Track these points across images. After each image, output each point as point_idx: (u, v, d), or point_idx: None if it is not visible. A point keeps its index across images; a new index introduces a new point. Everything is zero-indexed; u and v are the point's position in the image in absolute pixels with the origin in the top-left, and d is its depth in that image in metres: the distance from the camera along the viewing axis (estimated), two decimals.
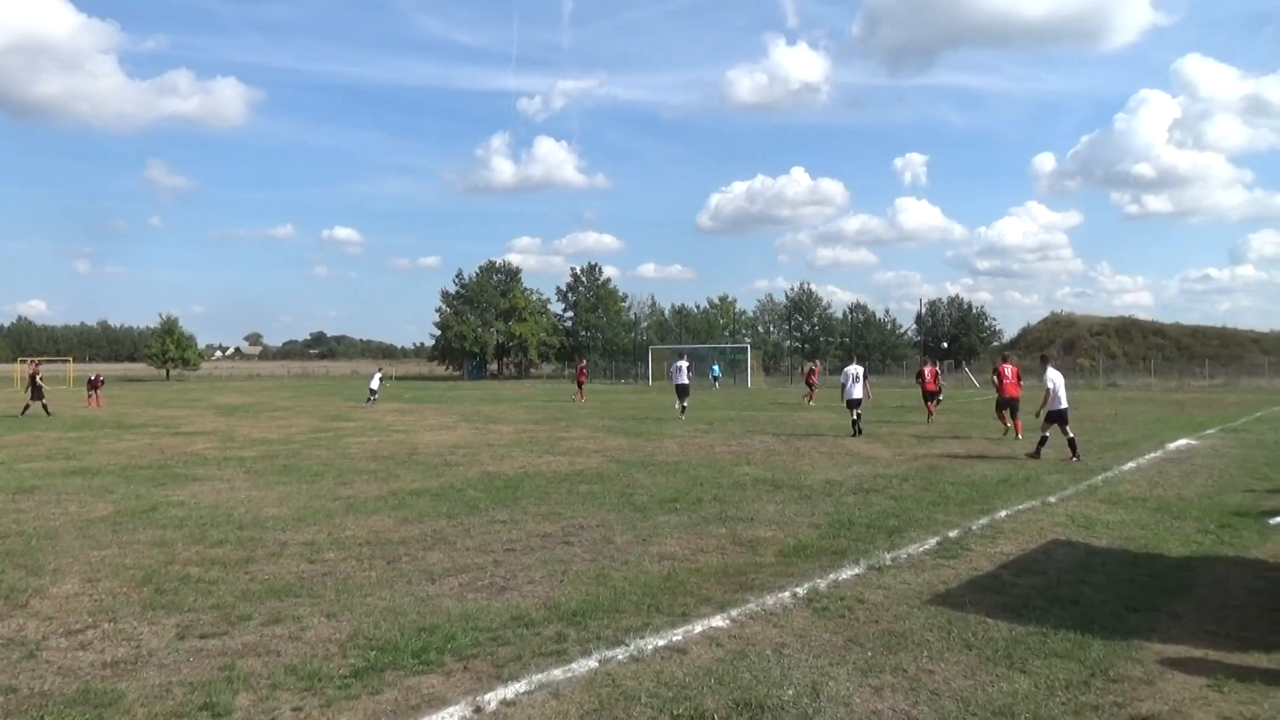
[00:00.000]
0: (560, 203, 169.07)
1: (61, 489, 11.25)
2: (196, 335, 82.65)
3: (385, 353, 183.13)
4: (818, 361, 49.27)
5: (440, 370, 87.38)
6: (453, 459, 14.41)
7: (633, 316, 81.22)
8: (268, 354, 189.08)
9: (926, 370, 23.85)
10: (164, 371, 78.48)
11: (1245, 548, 7.75)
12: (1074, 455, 13.87)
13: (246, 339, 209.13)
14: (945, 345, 74.32)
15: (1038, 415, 14.56)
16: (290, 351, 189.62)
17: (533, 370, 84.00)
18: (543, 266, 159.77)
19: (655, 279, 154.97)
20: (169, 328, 78.22)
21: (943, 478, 11.96)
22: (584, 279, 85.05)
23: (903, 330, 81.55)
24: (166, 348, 76.51)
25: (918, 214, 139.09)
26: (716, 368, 49.31)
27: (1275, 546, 7.82)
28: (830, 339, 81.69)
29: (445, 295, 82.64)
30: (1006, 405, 18.49)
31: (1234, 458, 14.50)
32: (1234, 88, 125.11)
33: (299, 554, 7.48)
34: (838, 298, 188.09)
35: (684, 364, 24.78)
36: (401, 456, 14.83)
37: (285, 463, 14.00)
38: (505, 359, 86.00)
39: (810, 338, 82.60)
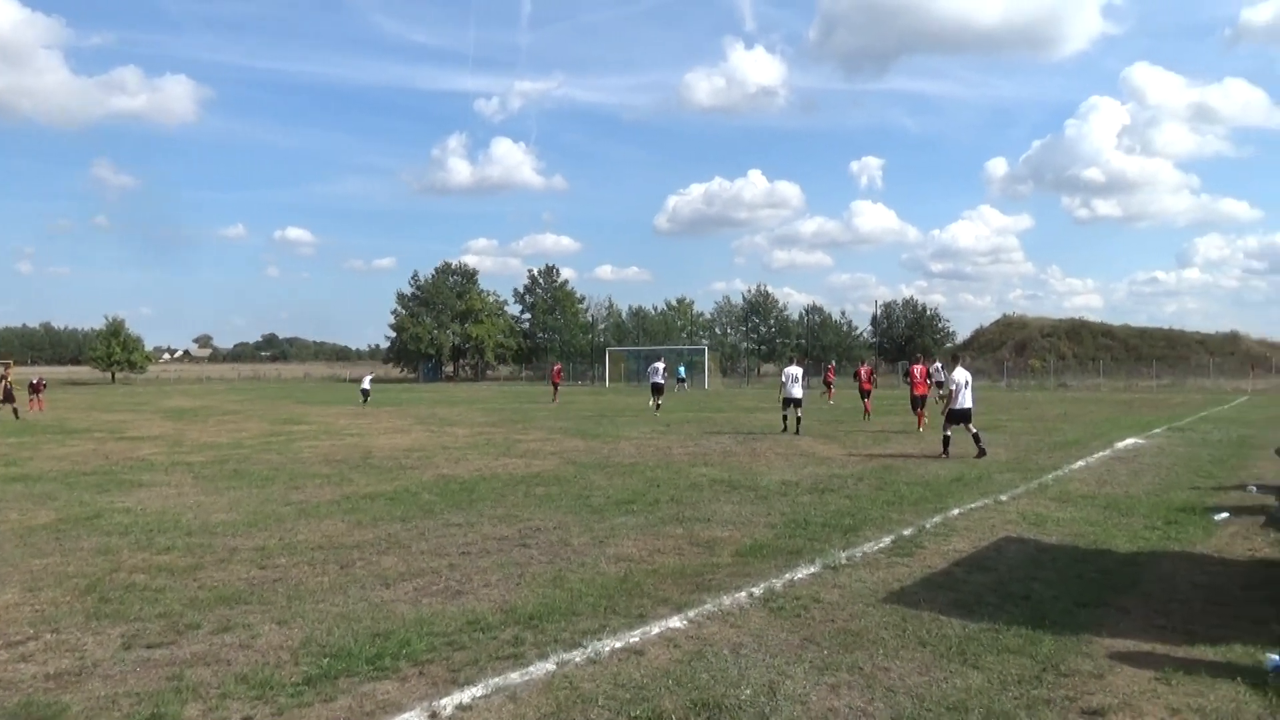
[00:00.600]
0: (518, 204, 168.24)
1: (1, 496, 10.92)
2: (144, 337, 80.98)
3: (339, 355, 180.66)
4: (833, 361, 50.00)
5: (396, 372, 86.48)
6: (407, 462, 14.27)
7: (590, 318, 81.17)
8: (218, 356, 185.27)
9: (862, 370, 25.41)
10: (109, 375, 76.68)
11: (1191, 543, 7.96)
12: (980, 451, 14.37)
13: (196, 341, 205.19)
14: (902, 345, 75.37)
15: (943, 413, 15.10)
16: (241, 354, 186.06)
17: (490, 372, 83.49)
18: (500, 268, 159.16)
19: (613, 281, 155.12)
20: (114, 329, 76.44)
21: (897, 477, 12.11)
22: (541, 281, 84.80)
23: (858, 332, 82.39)
24: (112, 350, 74.75)
25: (873, 217, 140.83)
26: (682, 369, 49.46)
27: (1220, 542, 8.04)
28: (786, 340, 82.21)
29: (401, 297, 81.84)
30: (917, 402, 20.72)
31: (1180, 456, 14.89)
32: (1181, 95, 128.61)
33: (249, 560, 7.34)
34: (794, 299, 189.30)
35: (660, 365, 26.44)
36: (355, 460, 14.65)
37: (235, 467, 13.75)
38: (461, 361, 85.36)
39: (767, 339, 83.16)
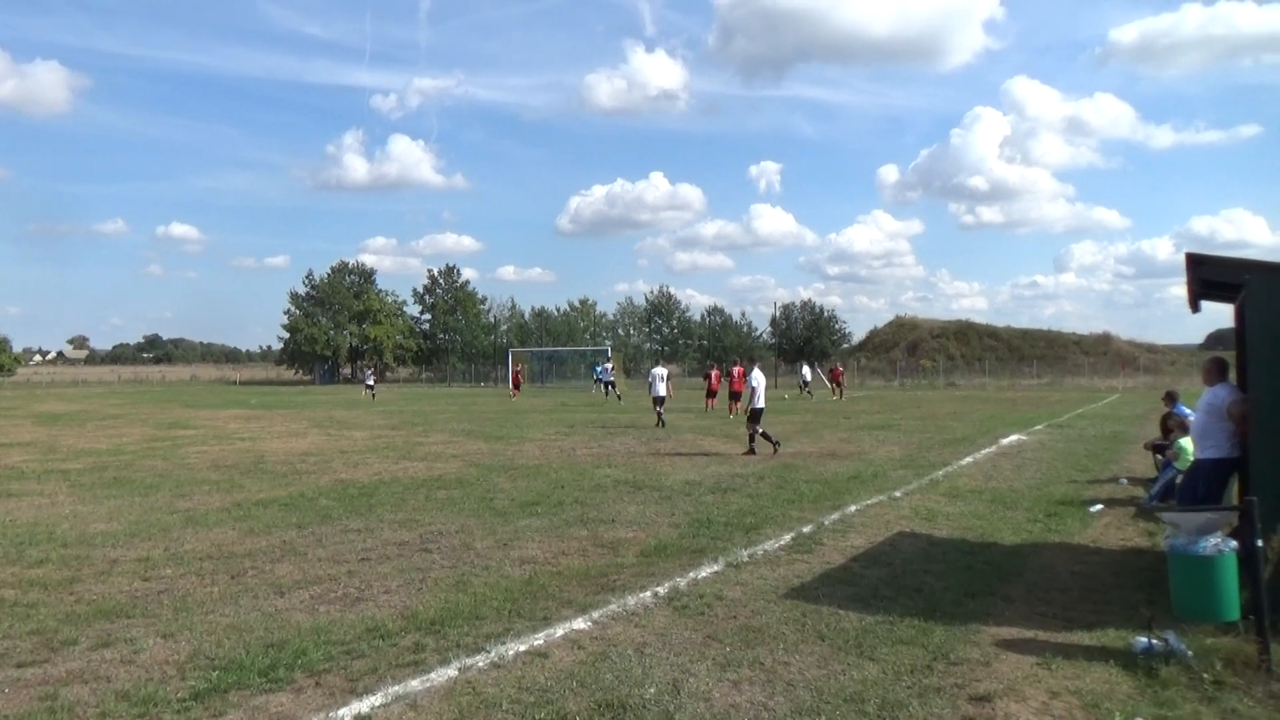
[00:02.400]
0: (417, 203, 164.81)
1: None
2: (11, 338, 76.31)
3: (229, 356, 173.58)
4: (840, 362, 50.53)
5: (290, 375, 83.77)
6: (303, 467, 13.84)
7: (492, 319, 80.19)
8: (95, 358, 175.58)
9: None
10: None
11: (1069, 534, 8.39)
12: (751, 449, 15.17)
13: (70, 342, 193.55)
14: (801, 346, 77.08)
15: (743, 413, 15.92)
16: (121, 355, 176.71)
17: (389, 374, 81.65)
18: (399, 268, 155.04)
19: (515, 281, 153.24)
20: None
21: (797, 476, 12.38)
22: (442, 281, 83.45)
23: (759, 333, 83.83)
24: None
25: (772, 220, 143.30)
26: (599, 368, 49.35)
27: (1095, 532, 8.50)
28: (689, 341, 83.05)
29: (294, 297, 79.27)
30: (733, 397, 24.53)
31: (1059, 451, 15.68)
32: (1056, 108, 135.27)
33: (131, 571, 6.99)
34: (696, 301, 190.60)
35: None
36: (246, 465, 14.12)
37: (116, 475, 13.08)
38: (359, 362, 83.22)
39: (670, 340, 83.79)
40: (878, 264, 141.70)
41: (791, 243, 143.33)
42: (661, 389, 22.75)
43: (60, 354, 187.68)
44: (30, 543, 8.13)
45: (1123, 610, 5.83)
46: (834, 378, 39.03)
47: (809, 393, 38.32)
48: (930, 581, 6.56)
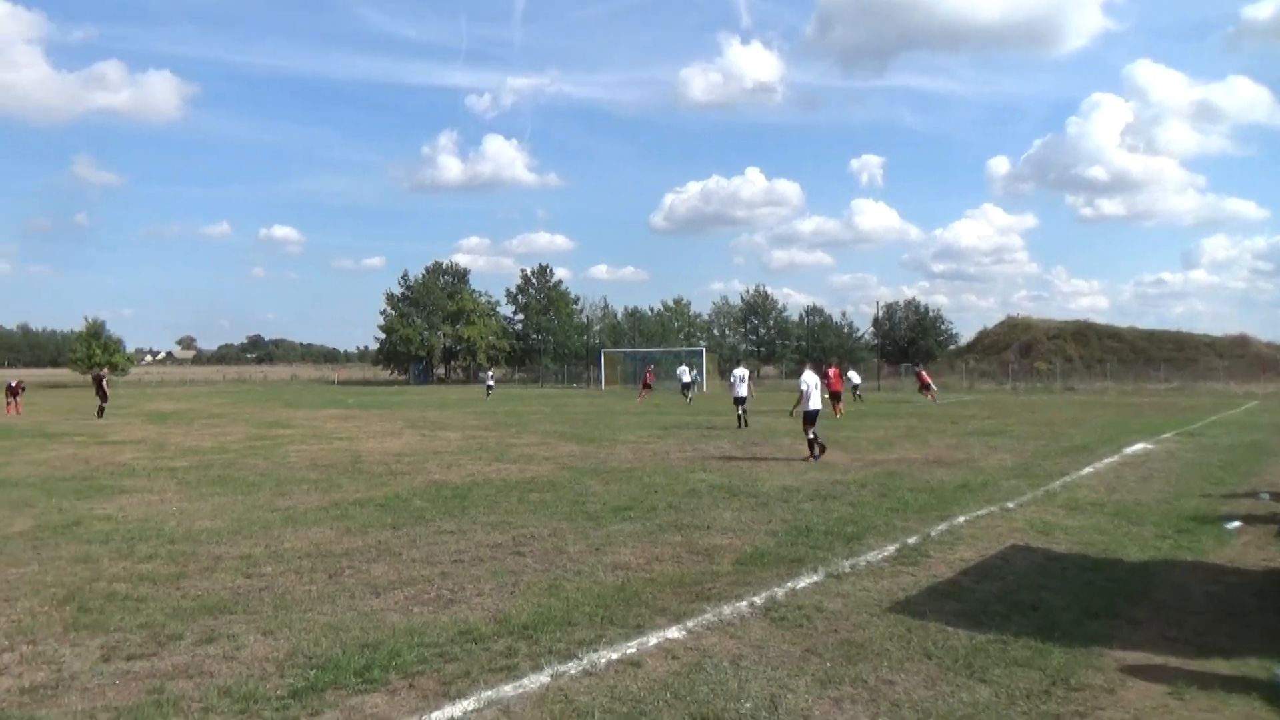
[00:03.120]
0: (510, 202, 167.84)
1: None
2: (125, 339, 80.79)
3: (328, 357, 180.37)
4: (923, 366, 49.94)
5: (385, 375, 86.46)
6: (398, 467, 14.23)
7: (585, 319, 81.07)
8: (202, 358, 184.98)
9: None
10: (90, 377, 76.47)
11: (1203, 552, 7.95)
12: (811, 456, 15.00)
13: (179, 343, 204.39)
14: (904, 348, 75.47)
15: (791, 414, 15.72)
16: (226, 356, 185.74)
17: (481, 374, 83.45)
18: (492, 268, 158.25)
19: (608, 281, 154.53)
20: (94, 331, 76.16)
21: (901, 484, 12.10)
22: (535, 281, 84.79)
23: (859, 334, 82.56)
24: (92, 352, 74.45)
25: (874, 216, 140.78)
26: (680, 369, 49.38)
27: (1233, 551, 8.03)
28: (786, 342, 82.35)
29: (390, 297, 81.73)
30: (833, 398, 26.00)
31: (1190, 462, 14.90)
32: (1184, 93, 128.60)
33: (234, 568, 7.30)
34: (794, 300, 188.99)
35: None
36: (343, 465, 14.61)
37: (220, 473, 13.70)
38: (453, 363, 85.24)
39: (766, 341, 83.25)
40: (987, 260, 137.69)
41: (895, 239, 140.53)
42: (743, 389, 23.03)
43: (169, 354, 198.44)
44: (140, 538, 8.58)
45: (1266, 637, 5.48)
46: (922, 382, 38.36)
47: (860, 397, 37.72)
48: (1047, 599, 6.30)
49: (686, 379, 39.02)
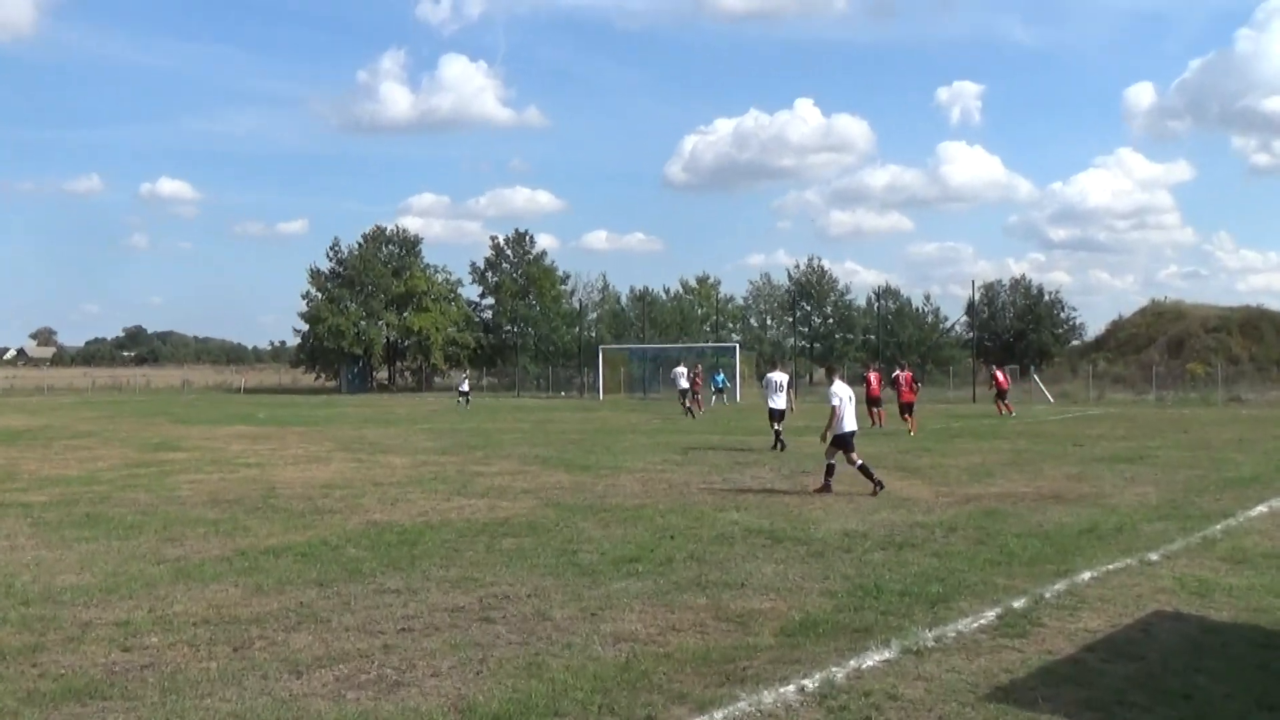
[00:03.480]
0: (477, 147, 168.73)
1: None
2: None
3: (232, 356, 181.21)
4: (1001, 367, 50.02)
5: (308, 380, 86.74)
6: (325, 504, 14.30)
7: (577, 304, 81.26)
8: (63, 358, 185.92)
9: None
10: None
11: None
12: (875, 486, 15.13)
13: (33, 337, 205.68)
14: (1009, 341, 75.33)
15: (823, 439, 15.80)
16: (96, 354, 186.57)
17: (438, 379, 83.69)
18: (452, 235, 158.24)
19: (609, 252, 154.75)
20: None
21: (1004, 527, 12.10)
22: (510, 253, 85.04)
23: (948, 324, 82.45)
24: None
25: (969, 165, 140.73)
26: (721, 376, 49.49)
27: None
28: (849, 335, 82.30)
29: (315, 275, 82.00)
30: (905, 410, 28.11)
31: None
32: None
33: (108, 638, 7.35)
34: (860, 279, 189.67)
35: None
36: (253, 501, 14.68)
37: (89, 510, 13.78)
38: (400, 363, 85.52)
39: (823, 334, 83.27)
40: (1124, 225, 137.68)
41: (998, 196, 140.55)
42: (781, 401, 23.23)
43: (20, 351, 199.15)
44: None
45: None
46: (998, 386, 38.48)
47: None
48: (1204, 686, 6.31)
49: (684, 384, 39.66)
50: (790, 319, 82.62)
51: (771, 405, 23.31)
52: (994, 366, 42.42)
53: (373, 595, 8.70)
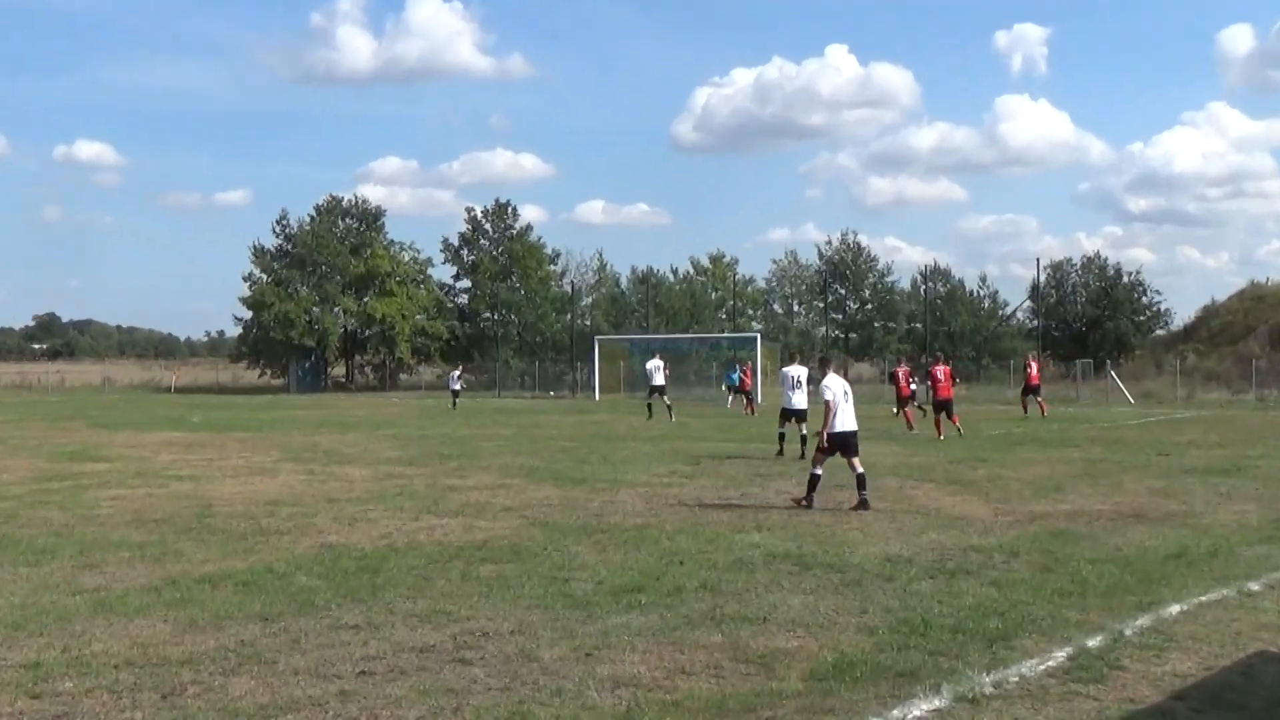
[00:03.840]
0: (451, 102, 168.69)
1: None
2: None
3: (162, 349, 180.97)
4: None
5: (251, 377, 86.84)
6: (271, 524, 14.31)
7: (569, 287, 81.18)
8: None
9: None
10: None
11: None
12: (805, 500, 15.71)
13: None
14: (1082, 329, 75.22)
15: (818, 440, 16.04)
16: (1, 347, 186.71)
17: (404, 375, 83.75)
18: (421, 206, 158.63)
19: (606, 226, 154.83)
20: None
21: (1076, 551, 12.08)
22: (489, 227, 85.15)
23: (1008, 310, 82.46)
24: None
25: (1032, 122, 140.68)
26: (733, 374, 49.52)
27: None
28: (891, 324, 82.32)
29: (259, 254, 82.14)
30: (939, 408, 28.85)
31: None
32: None
33: (14, 683, 7.34)
34: (904, 257, 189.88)
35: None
36: (186, 520, 14.68)
37: None
38: (359, 358, 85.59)
39: (860, 322, 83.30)
40: (1217, 194, 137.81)
41: (1067, 159, 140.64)
42: (799, 400, 23.24)
43: None
44: None
45: None
46: (1029, 382, 39.34)
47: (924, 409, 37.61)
48: None
49: (659, 380, 39.79)
50: (821, 304, 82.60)
51: (787, 404, 23.32)
52: (1030, 359, 42.57)
53: (327, 632, 8.68)
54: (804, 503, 15.58)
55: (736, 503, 16.22)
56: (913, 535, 13.25)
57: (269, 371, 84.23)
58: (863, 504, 15.29)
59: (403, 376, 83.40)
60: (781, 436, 23.58)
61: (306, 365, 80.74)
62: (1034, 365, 39.86)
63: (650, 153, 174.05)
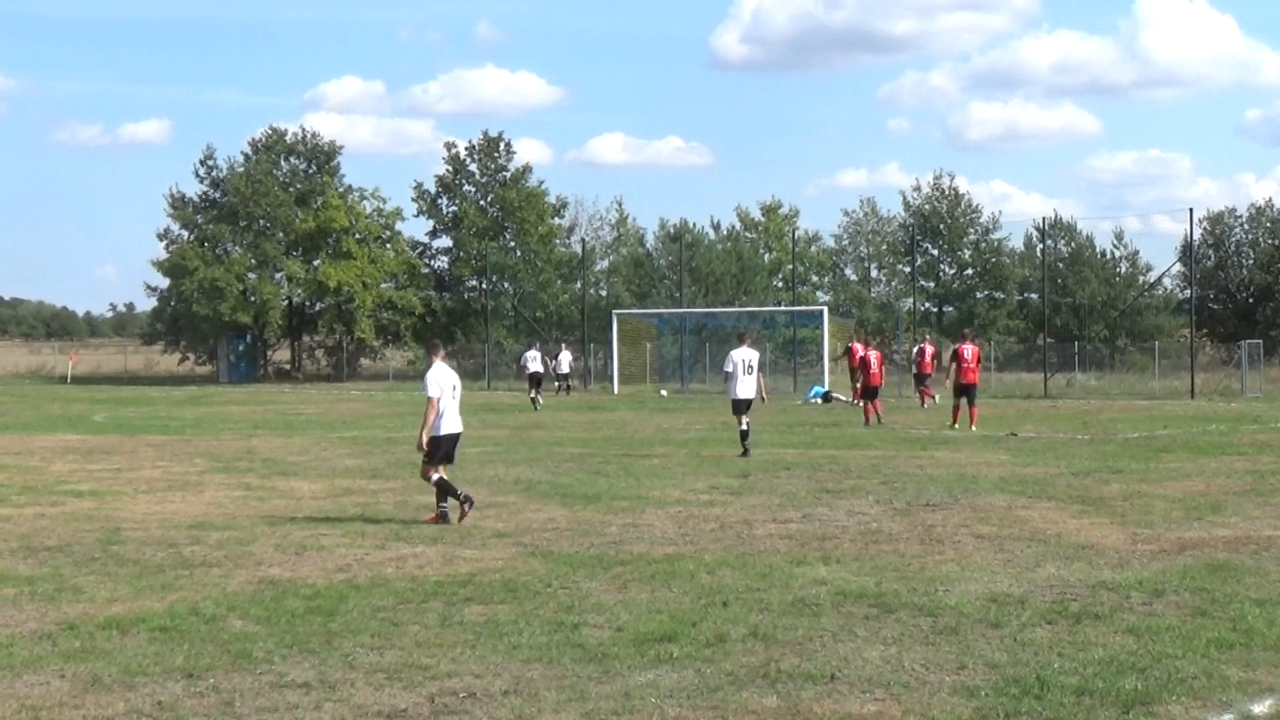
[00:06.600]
0: (425, 7, 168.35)
1: None
2: None
3: (55, 326, 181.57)
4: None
5: (169, 362, 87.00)
6: (197, 553, 14.38)
7: (578, 247, 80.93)
8: None
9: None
10: None
11: None
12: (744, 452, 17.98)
13: None
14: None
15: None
16: None
17: (366, 360, 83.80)
18: (388, 140, 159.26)
19: (628, 167, 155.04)
20: None
21: (1239, 590, 12.06)
22: (476, 168, 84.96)
23: (1151, 276, 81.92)
24: None
25: (1184, 30, 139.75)
26: (819, 388, 49.22)
27: None
28: (998, 294, 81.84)
29: (179, 203, 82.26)
30: (961, 393, 30.98)
31: None
32: None
33: None
34: (1015, 206, 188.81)
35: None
36: (87, 547, 14.77)
37: None
38: (308, 338, 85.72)
39: (958, 292, 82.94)
40: None
41: (1230, 79, 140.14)
42: (750, 387, 24.28)
43: None
44: None
45: None
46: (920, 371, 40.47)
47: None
48: None
49: (565, 368, 43.65)
50: (907, 269, 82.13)
51: (734, 395, 24.10)
52: (925, 337, 43.64)
53: (269, 691, 8.72)
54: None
55: (796, 526, 16.22)
56: (1025, 569, 13.24)
57: (192, 356, 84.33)
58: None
59: (364, 362, 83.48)
60: (744, 435, 24.55)
61: (240, 348, 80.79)
62: (929, 349, 40.82)
63: (684, 72, 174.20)
